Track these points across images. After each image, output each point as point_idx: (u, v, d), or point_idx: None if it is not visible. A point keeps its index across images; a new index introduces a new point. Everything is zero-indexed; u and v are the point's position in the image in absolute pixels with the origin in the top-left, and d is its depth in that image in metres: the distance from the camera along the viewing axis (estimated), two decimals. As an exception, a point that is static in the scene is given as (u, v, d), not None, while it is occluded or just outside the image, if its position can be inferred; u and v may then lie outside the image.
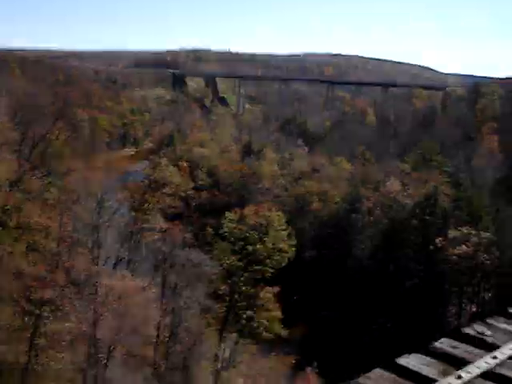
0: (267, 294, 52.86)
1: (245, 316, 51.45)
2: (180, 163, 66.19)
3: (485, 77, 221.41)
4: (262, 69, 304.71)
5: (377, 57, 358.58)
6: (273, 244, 52.88)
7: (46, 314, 30.17)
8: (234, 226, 52.94)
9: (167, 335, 42.80)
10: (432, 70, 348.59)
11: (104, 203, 50.33)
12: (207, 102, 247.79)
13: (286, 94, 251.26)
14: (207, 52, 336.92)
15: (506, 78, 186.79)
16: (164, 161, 63.44)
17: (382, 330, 64.07)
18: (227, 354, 50.37)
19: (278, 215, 54.98)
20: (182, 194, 60.58)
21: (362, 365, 53.63)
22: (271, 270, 53.42)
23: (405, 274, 67.37)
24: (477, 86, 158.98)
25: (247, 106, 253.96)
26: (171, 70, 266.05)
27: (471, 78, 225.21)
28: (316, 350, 60.25)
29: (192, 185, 64.99)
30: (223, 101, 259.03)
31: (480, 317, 62.49)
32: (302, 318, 68.21)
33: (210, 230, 56.94)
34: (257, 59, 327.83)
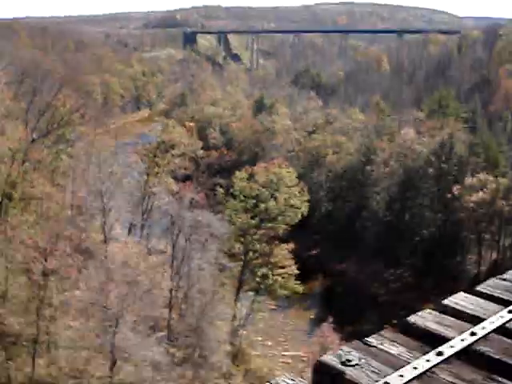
0: (282, 250, 52.43)
1: (260, 274, 51.19)
2: (186, 123, 65.05)
3: (502, 18, 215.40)
4: (275, 22, 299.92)
5: (391, 3, 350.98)
6: (285, 200, 52.21)
7: (52, 283, 30.19)
8: (245, 184, 52.34)
9: (181, 297, 42.94)
10: (448, 13, 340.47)
11: (114, 168, 50.16)
12: (220, 60, 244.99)
13: (300, 47, 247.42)
14: (217, 8, 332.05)
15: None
16: (171, 122, 62.58)
17: (399, 281, 63.83)
18: (244, 312, 50.56)
19: (289, 171, 54.07)
20: (192, 155, 60.01)
21: (380, 318, 53.47)
22: (284, 227, 52.88)
23: (421, 224, 66.70)
24: (494, 28, 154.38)
25: (261, 61, 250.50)
26: (182, 28, 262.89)
27: (488, 20, 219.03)
28: (334, 304, 60.28)
29: (201, 145, 64.18)
30: (236, 57, 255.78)
31: (500, 265, 61.91)
32: (320, 271, 68.20)
33: (220, 189, 56.38)
34: (268, 12, 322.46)
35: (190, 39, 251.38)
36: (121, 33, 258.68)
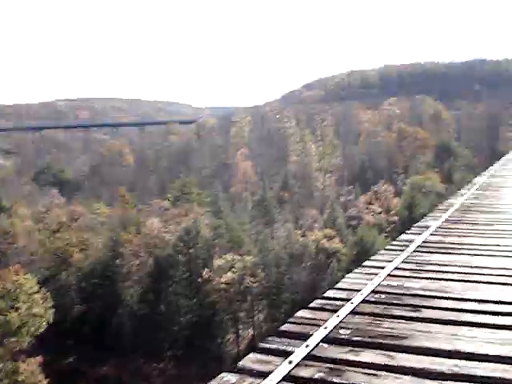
0: (29, 366, 47.62)
1: (4, 397, 45.66)
2: None
3: (235, 107, 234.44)
4: (14, 119, 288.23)
5: (130, 97, 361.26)
6: (27, 310, 47.92)
7: None
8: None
9: None
10: (186, 105, 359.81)
11: None
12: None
13: (42, 144, 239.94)
14: None
15: (255, 106, 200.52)
16: None
17: (163, 374, 62.07)
18: None
19: (27, 278, 50.06)
20: None
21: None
22: (30, 339, 48.33)
23: (178, 312, 66.15)
24: (228, 115, 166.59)
25: (0, 161, 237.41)
26: None
27: (224, 110, 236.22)
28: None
29: None
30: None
31: (258, 340, 63.56)
32: (81, 379, 63.52)
33: None
34: (5, 110, 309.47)
35: None
36: None
